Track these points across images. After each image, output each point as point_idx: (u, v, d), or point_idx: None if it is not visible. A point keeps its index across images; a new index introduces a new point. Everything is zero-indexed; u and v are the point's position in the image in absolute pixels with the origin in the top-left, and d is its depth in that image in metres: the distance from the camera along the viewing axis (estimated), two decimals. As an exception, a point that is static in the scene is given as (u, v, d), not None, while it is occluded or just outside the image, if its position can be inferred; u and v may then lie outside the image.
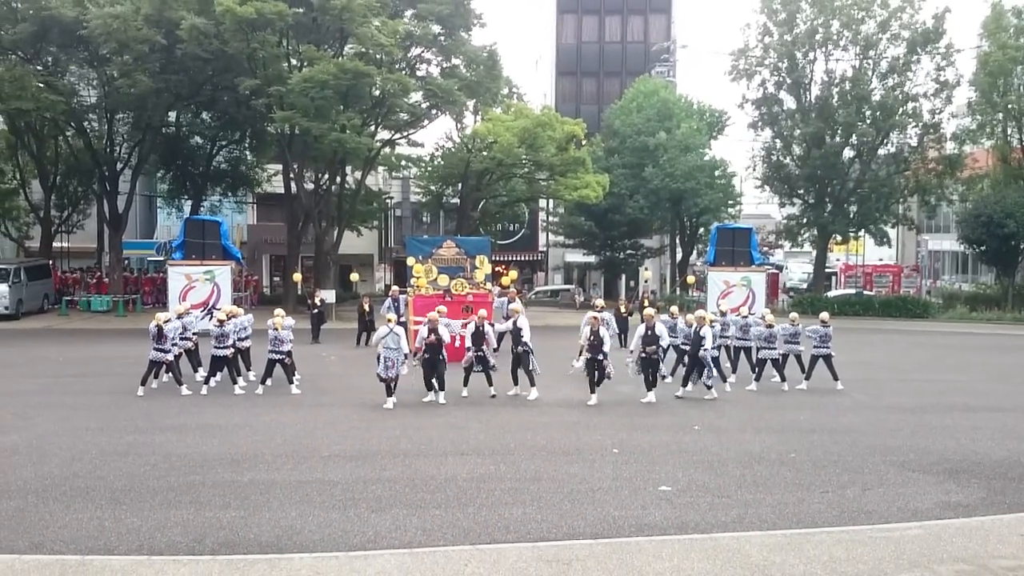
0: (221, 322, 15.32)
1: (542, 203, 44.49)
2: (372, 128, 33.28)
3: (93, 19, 27.36)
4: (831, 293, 41.56)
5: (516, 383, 15.18)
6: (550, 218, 45.77)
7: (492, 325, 16.12)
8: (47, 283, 33.29)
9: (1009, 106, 35.80)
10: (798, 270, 57.11)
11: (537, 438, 11.76)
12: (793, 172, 39.10)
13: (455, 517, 8.23)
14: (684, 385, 15.35)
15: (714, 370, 15.54)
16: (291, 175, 33.65)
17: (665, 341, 14.82)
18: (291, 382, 15.33)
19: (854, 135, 37.08)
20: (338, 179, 34.47)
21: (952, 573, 6.97)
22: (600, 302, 17.75)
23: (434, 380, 14.44)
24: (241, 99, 30.71)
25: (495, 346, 15.41)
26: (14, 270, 30.41)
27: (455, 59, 32.60)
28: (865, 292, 40.97)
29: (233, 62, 29.63)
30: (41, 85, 29.86)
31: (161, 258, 39.51)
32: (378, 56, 30.18)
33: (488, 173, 35.59)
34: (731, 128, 42.99)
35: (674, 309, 18.34)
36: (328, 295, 28.73)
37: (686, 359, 15.79)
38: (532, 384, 14.91)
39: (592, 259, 45.90)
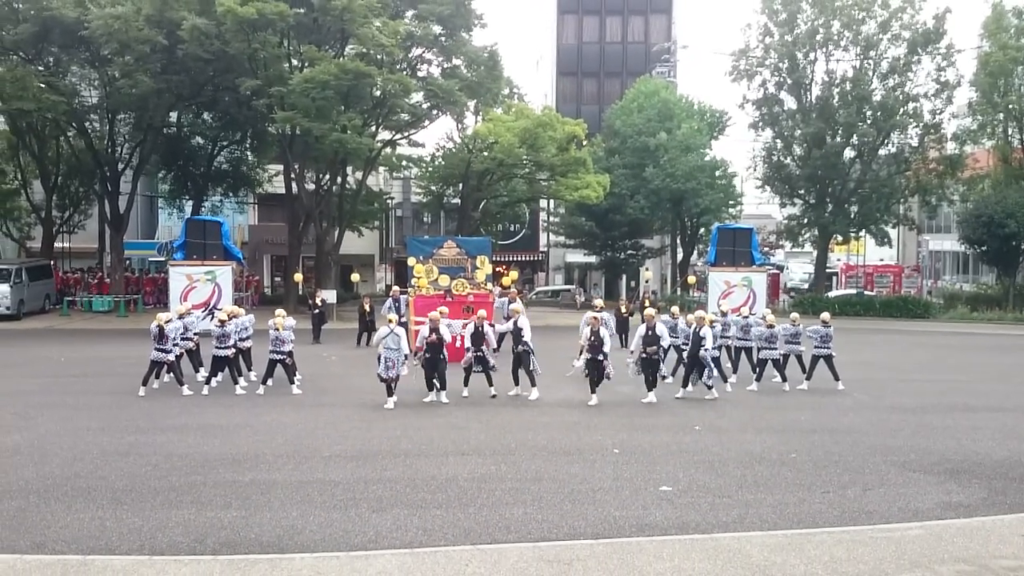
0: (222, 322, 15.34)
1: (543, 203, 44.51)
2: (373, 128, 33.30)
3: (94, 20, 27.39)
4: (832, 293, 41.58)
5: (517, 383, 15.19)
6: (551, 218, 45.79)
7: (492, 326, 16.13)
8: (48, 283, 33.32)
9: (1010, 106, 35.81)
10: (799, 270, 57.12)
11: (538, 438, 11.76)
12: (794, 172, 39.11)
13: (456, 517, 8.24)
14: (684, 386, 15.35)
15: (715, 370, 15.55)
16: (292, 175, 33.66)
17: (666, 341, 14.82)
18: (292, 382, 15.34)
19: (855, 135, 37.10)
20: (339, 179, 34.49)
21: (953, 573, 6.97)
22: (599, 302, 17.76)
23: (435, 379, 14.46)
24: (242, 99, 30.74)
25: (494, 346, 15.42)
26: (15, 270, 30.44)
27: (456, 59, 32.62)
28: (866, 292, 40.98)
29: (234, 62, 29.65)
30: (42, 85, 29.89)
31: (162, 258, 39.56)
32: (379, 57, 30.20)
33: (489, 173, 35.60)
34: (732, 128, 43.03)
35: (675, 309, 18.35)
36: (329, 295, 28.75)
37: (686, 359, 15.77)
38: (533, 384, 14.92)
39: (593, 259, 45.92)
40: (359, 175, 35.51)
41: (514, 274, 25.76)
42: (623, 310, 23.91)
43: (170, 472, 9.82)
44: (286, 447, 11.10)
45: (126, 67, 29.44)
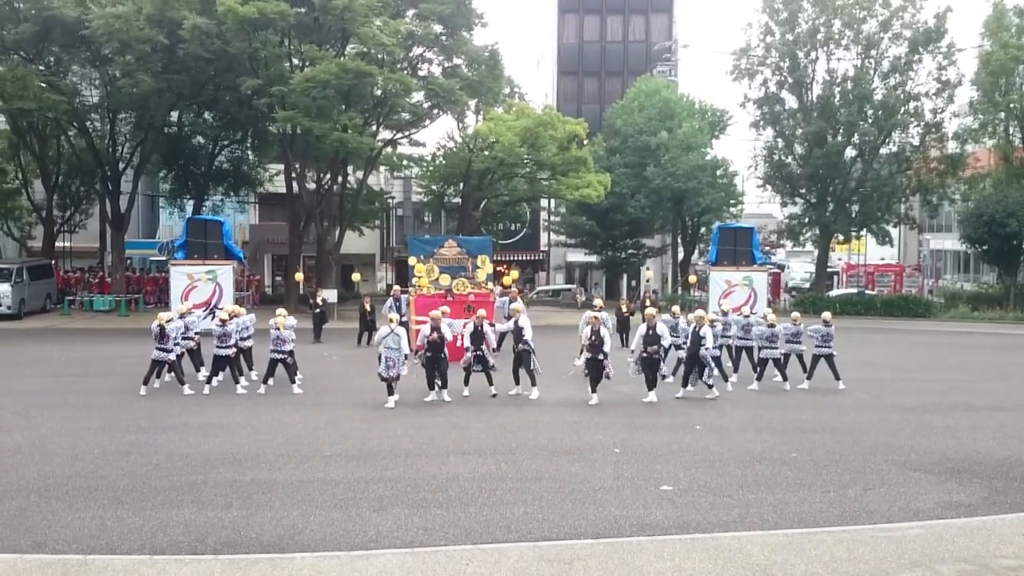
0: (223, 322, 15.34)
1: (544, 203, 44.49)
2: (374, 128, 33.30)
3: (95, 19, 27.40)
4: (833, 292, 41.55)
5: (517, 383, 15.19)
6: (552, 218, 45.78)
7: (492, 325, 16.13)
8: (49, 283, 33.34)
9: (1011, 105, 35.76)
10: (800, 269, 57.12)
11: (538, 437, 11.77)
12: (795, 171, 39.09)
13: (457, 516, 8.24)
14: (684, 386, 15.34)
15: (715, 369, 15.55)
16: (293, 175, 33.67)
17: (666, 341, 14.81)
18: (293, 382, 15.34)
19: (856, 134, 37.08)
20: (340, 179, 34.50)
21: (954, 573, 6.97)
22: (598, 302, 17.75)
23: (437, 379, 14.48)
24: (243, 99, 30.74)
25: (494, 346, 15.43)
26: (16, 270, 30.46)
27: (457, 59, 32.61)
28: (867, 291, 40.95)
29: (235, 62, 29.66)
30: (43, 85, 29.90)
31: (163, 258, 39.57)
32: (380, 56, 30.20)
33: (490, 173, 35.59)
34: (733, 127, 43.19)
35: (676, 309, 18.33)
36: (330, 295, 28.75)
37: (685, 359, 15.75)
38: (533, 384, 14.92)
39: (594, 259, 45.91)
40: (360, 174, 35.51)
41: (515, 273, 25.78)
42: (624, 309, 23.90)
43: (171, 471, 9.82)
44: (287, 446, 11.11)
45: (127, 66, 29.45)
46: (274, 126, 32.18)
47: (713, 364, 15.67)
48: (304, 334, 20.19)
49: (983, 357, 23.18)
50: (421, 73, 33.18)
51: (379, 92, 31.07)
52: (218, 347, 15.22)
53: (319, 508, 8.47)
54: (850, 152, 38.30)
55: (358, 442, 11.48)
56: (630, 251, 44.11)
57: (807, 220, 39.61)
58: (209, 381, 15.52)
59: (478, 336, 14.89)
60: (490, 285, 21.78)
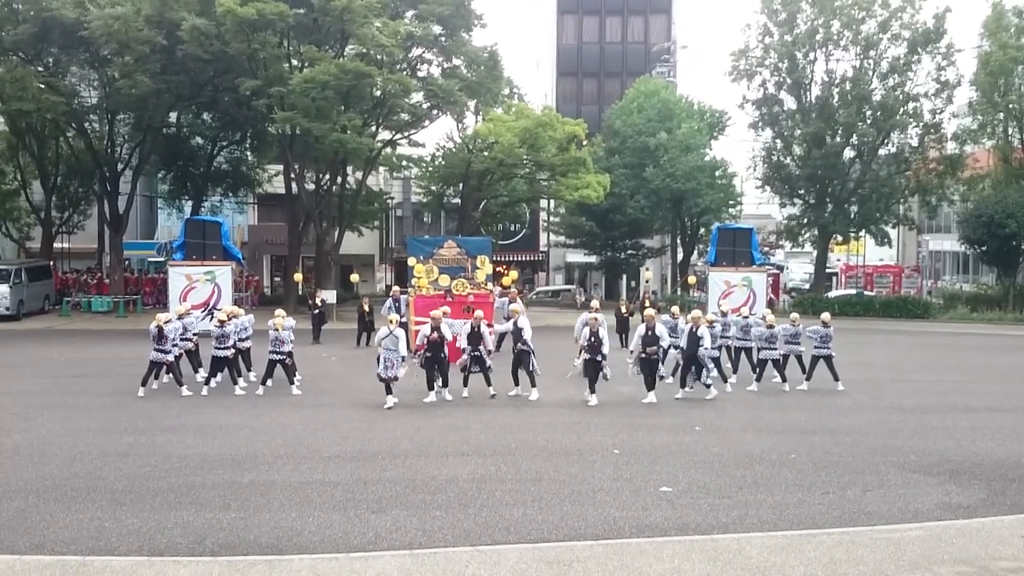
0: (222, 323, 15.33)
1: (543, 203, 44.52)
2: (373, 128, 33.30)
3: (94, 20, 27.38)
4: (832, 293, 41.57)
5: (517, 383, 15.19)
6: (551, 218, 45.79)
7: (490, 326, 16.12)
8: (48, 284, 33.32)
9: (1010, 106, 35.78)
10: (799, 270, 57.12)
11: (538, 439, 11.76)
12: (794, 172, 39.09)
13: (456, 518, 8.24)
14: (682, 386, 15.34)
15: (713, 369, 15.56)
16: (292, 175, 33.66)
17: (665, 342, 14.81)
18: (292, 383, 15.33)
19: (855, 135, 37.08)
20: (339, 179, 34.50)
21: (953, 574, 6.97)
22: (595, 303, 17.76)
23: (437, 378, 14.49)
24: (242, 100, 30.72)
25: (490, 348, 15.43)
26: (15, 271, 30.44)
27: (456, 60, 32.62)
28: (866, 292, 40.97)
29: (234, 63, 29.65)
30: (42, 86, 29.87)
31: (162, 259, 39.53)
32: (379, 57, 30.20)
33: (489, 173, 35.60)
34: (732, 128, 43.13)
35: (675, 309, 18.33)
36: (329, 295, 28.75)
37: (683, 359, 15.73)
38: (533, 384, 14.92)
39: (593, 259, 45.93)
40: (359, 175, 35.51)
41: (514, 274, 25.78)
42: (623, 310, 23.90)
43: (169, 473, 9.81)
44: (285, 448, 11.10)
45: (126, 67, 29.44)
46: (273, 127, 32.17)
47: (712, 365, 15.69)
48: (303, 335, 20.18)
49: (982, 358, 23.18)
50: (420, 74, 33.19)
51: (378, 93, 31.07)
52: (216, 348, 15.21)
53: (318, 510, 8.46)
54: (849, 153, 38.30)
55: (357, 443, 11.47)
56: (629, 252, 44.14)
57: (806, 221, 39.61)
58: (207, 382, 15.51)
59: (475, 337, 14.90)
60: (489, 286, 21.77)
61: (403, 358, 13.96)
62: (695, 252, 43.43)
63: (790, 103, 38.86)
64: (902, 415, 13.92)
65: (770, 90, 38.70)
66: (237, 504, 8.63)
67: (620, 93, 45.59)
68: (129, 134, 34.63)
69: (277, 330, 15.16)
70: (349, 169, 35.03)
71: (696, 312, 15.87)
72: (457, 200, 38.89)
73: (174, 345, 15.28)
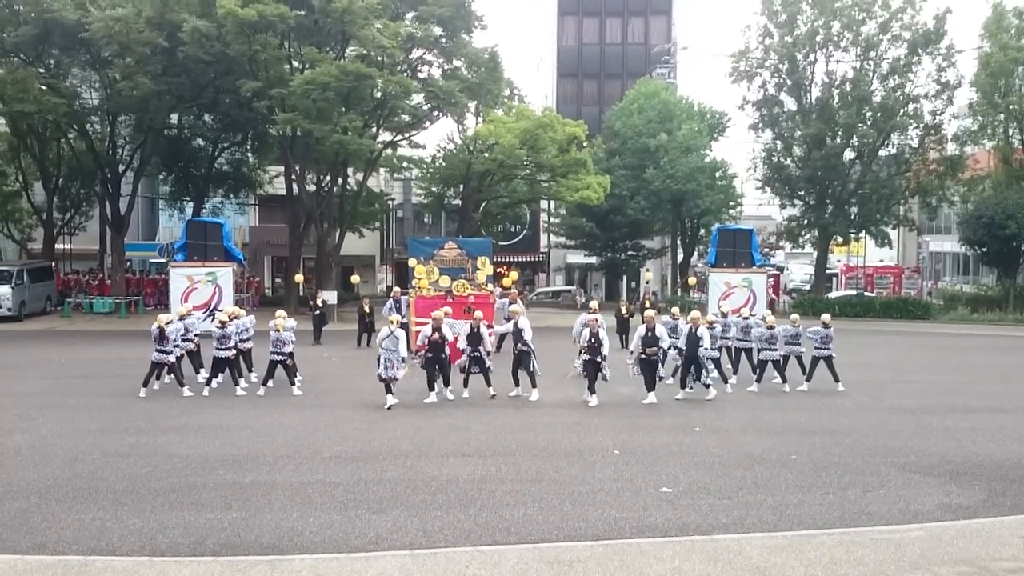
0: (223, 323, 15.35)
1: (543, 204, 44.54)
2: (374, 130, 33.35)
3: (95, 22, 27.44)
4: (832, 294, 41.59)
5: (517, 384, 15.20)
6: (551, 219, 45.83)
7: (490, 327, 16.14)
8: (50, 285, 33.36)
9: (1010, 107, 35.81)
10: (799, 271, 57.14)
11: (538, 439, 11.77)
12: (794, 173, 39.12)
13: (456, 518, 8.25)
14: (682, 387, 15.35)
15: (713, 370, 15.57)
16: (293, 177, 33.70)
17: (665, 343, 14.81)
18: (292, 383, 15.35)
19: (855, 136, 37.11)
20: (340, 181, 34.53)
21: (953, 575, 6.97)
22: (593, 304, 17.77)
23: (438, 378, 14.52)
24: (243, 101, 30.78)
25: (489, 349, 15.45)
26: (17, 272, 30.48)
27: (456, 61, 32.66)
28: (866, 293, 40.99)
29: (235, 64, 29.69)
30: (43, 88, 29.94)
31: (163, 260, 39.60)
32: (380, 58, 30.26)
33: (489, 174, 35.63)
34: (732, 130, 43.33)
35: (675, 310, 18.35)
36: (330, 296, 28.76)
37: (682, 360, 15.74)
38: (533, 385, 14.93)
39: (593, 260, 45.97)
40: (360, 176, 35.54)
41: (514, 275, 25.75)
42: (623, 311, 23.91)
43: (170, 473, 9.83)
44: (286, 448, 11.11)
45: (127, 69, 29.48)
46: (274, 128, 32.22)
47: (712, 365, 15.71)
48: (304, 336, 20.20)
49: (982, 359, 23.18)
50: (421, 75, 33.24)
51: (379, 94, 31.12)
52: (218, 349, 15.23)
53: (318, 510, 8.48)
54: (849, 154, 38.34)
55: (358, 444, 11.48)
56: (630, 253, 44.17)
57: (806, 222, 39.64)
58: (209, 383, 15.53)
59: (475, 338, 14.92)
60: (490, 287, 21.79)
61: (403, 359, 13.97)
62: (695, 253, 43.47)
63: (790, 104, 38.91)
64: (902, 416, 13.92)
65: (770, 91, 38.75)
66: (238, 504, 8.65)
67: (620, 94, 45.63)
68: (130, 135, 34.69)
69: (278, 331, 15.18)
70: (350, 170, 35.07)
71: (695, 313, 15.88)
72: (457, 201, 38.92)
73: (175, 346, 15.30)
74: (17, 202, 36.76)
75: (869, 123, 36.86)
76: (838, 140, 37.44)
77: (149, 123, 32.17)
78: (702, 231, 41.34)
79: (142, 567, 6.99)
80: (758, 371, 16.55)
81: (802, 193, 39.30)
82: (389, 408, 13.87)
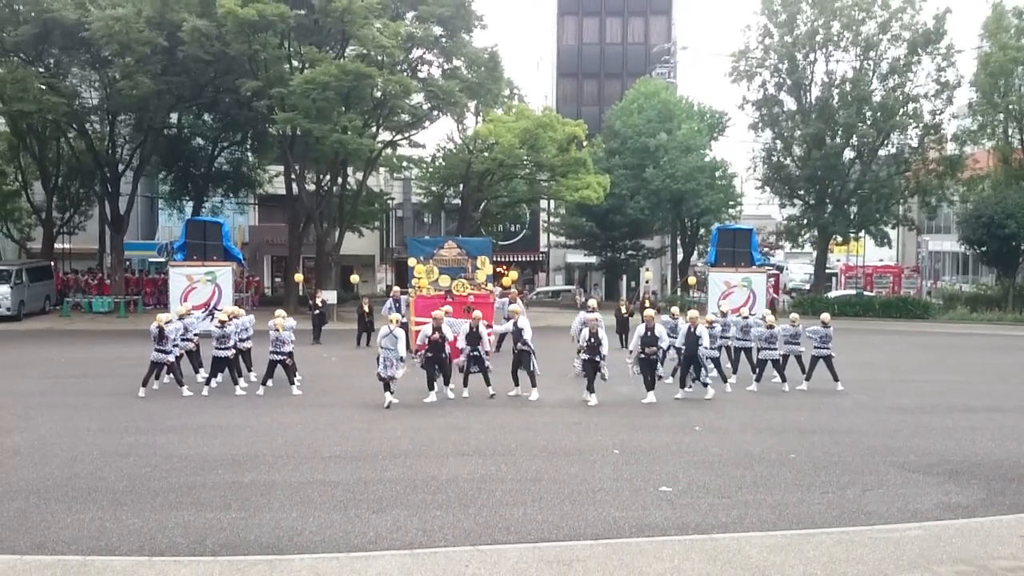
0: (222, 323, 15.35)
1: (543, 204, 44.53)
2: (373, 129, 33.34)
3: (95, 21, 27.42)
4: (831, 294, 41.59)
5: (517, 384, 15.21)
6: (551, 219, 45.82)
7: (490, 327, 16.14)
8: (49, 284, 33.34)
9: (1010, 107, 35.82)
10: (799, 271, 57.14)
11: (538, 439, 11.78)
12: (793, 173, 39.13)
13: (456, 518, 8.25)
14: (682, 387, 15.35)
15: (712, 369, 15.58)
16: (292, 176, 33.69)
17: (665, 342, 14.81)
18: (292, 383, 15.35)
19: (854, 136, 37.11)
20: (339, 180, 34.52)
21: (952, 574, 6.98)
22: (593, 302, 17.77)
23: (438, 377, 14.53)
24: (243, 101, 30.76)
25: (487, 349, 15.46)
26: (16, 271, 30.46)
27: (456, 60, 32.65)
28: (865, 293, 40.99)
29: (235, 64, 29.68)
30: (43, 87, 29.91)
31: (162, 259, 39.58)
32: (379, 58, 30.25)
33: (489, 174, 35.62)
34: (732, 129, 43.21)
35: (675, 310, 18.35)
36: (329, 296, 28.76)
37: (682, 359, 15.74)
38: (533, 385, 14.94)
39: (593, 260, 45.96)
40: (360, 176, 35.54)
41: (514, 274, 25.77)
42: (623, 310, 23.91)
43: (170, 473, 9.83)
44: (286, 448, 11.11)
45: (126, 68, 29.47)
46: (274, 128, 32.20)
47: (711, 364, 15.71)
48: (303, 335, 20.20)
49: (982, 358, 23.19)
50: (421, 75, 33.23)
51: (379, 94, 31.11)
52: (217, 348, 15.23)
53: (318, 510, 8.48)
54: (849, 154, 38.33)
55: (357, 443, 11.49)
56: (629, 252, 44.16)
57: (806, 222, 39.64)
58: (208, 382, 15.53)
59: (474, 337, 14.92)
60: (490, 286, 21.80)
61: (401, 358, 13.97)
62: (695, 253, 43.45)
63: (790, 104, 38.90)
64: (902, 415, 13.93)
65: (770, 91, 38.74)
66: (238, 504, 8.65)
67: (620, 94, 45.61)
68: (130, 135, 34.67)
69: (278, 330, 15.18)
70: (349, 170, 35.06)
71: (693, 312, 15.88)
72: (457, 201, 38.91)
73: (175, 345, 15.30)
74: (16, 201, 36.71)
75: (869, 123, 36.86)
76: (838, 140, 37.44)
77: (149, 122, 32.16)
78: (702, 231, 41.34)
79: (141, 567, 6.99)
80: (757, 370, 16.56)
81: (802, 193, 39.30)
82: (388, 407, 13.89)
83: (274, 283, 47.06)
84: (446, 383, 14.83)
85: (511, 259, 46.86)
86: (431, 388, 14.59)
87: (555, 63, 54.33)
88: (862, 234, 42.27)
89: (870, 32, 36.69)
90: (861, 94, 36.70)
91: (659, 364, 14.81)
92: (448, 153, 38.79)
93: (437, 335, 14.41)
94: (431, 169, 39.73)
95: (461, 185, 37.35)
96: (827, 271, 43.83)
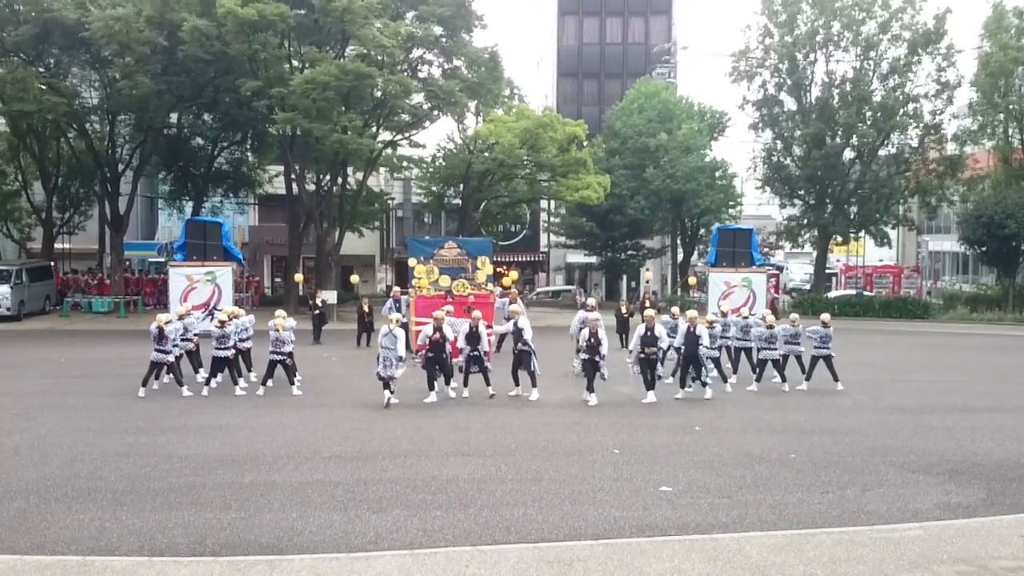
0: (222, 323, 15.35)
1: (543, 204, 44.52)
2: (373, 129, 33.33)
3: (95, 21, 27.42)
4: (831, 294, 41.58)
5: (517, 384, 15.20)
6: (551, 219, 45.81)
7: (490, 327, 16.14)
8: (49, 284, 33.34)
9: (1010, 107, 35.81)
10: (799, 271, 57.15)
11: (538, 439, 11.77)
12: (793, 173, 39.12)
13: (456, 518, 8.25)
14: (682, 386, 15.35)
15: (712, 369, 15.58)
16: (292, 176, 33.69)
17: (664, 342, 14.81)
18: (292, 383, 15.35)
19: (855, 136, 37.11)
20: (339, 180, 34.52)
21: (952, 574, 6.98)
22: (591, 301, 17.74)
23: (439, 377, 14.53)
24: (243, 100, 30.76)
25: (486, 349, 15.46)
26: (16, 271, 30.46)
27: (456, 60, 32.64)
28: (865, 293, 40.97)
29: (235, 64, 29.67)
30: (43, 87, 29.90)
31: (162, 259, 39.58)
32: (380, 57, 30.23)
33: (489, 174, 35.61)
34: (732, 129, 43.18)
35: (675, 310, 18.35)
36: (329, 296, 28.76)
37: (682, 359, 15.73)
38: (533, 385, 14.93)
39: (593, 260, 45.95)
40: (360, 176, 35.53)
41: (514, 274, 25.75)
42: (623, 310, 23.91)
43: (170, 473, 9.83)
44: (286, 448, 11.11)
45: (126, 68, 29.47)
46: (274, 128, 32.20)
47: (711, 364, 15.71)
48: (303, 335, 20.19)
49: (982, 358, 23.19)
50: (421, 75, 33.22)
51: (379, 94, 31.10)
52: (217, 348, 15.22)
53: (318, 510, 8.48)
54: (849, 154, 38.33)
55: (357, 443, 11.49)
56: (630, 252, 44.15)
57: (806, 222, 39.64)
58: (208, 383, 15.53)
59: (473, 337, 14.92)
60: (490, 286, 21.79)
61: (400, 358, 13.97)
62: (695, 253, 43.45)
63: (790, 104, 38.89)
64: (902, 415, 13.93)
65: (770, 91, 38.74)
66: (238, 504, 8.65)
67: (620, 94, 45.61)
68: (130, 135, 34.67)
69: (278, 330, 15.18)
70: (350, 170, 35.06)
71: (692, 312, 15.87)
72: (457, 201, 38.90)
73: (175, 345, 15.30)
74: (16, 201, 36.71)
75: (869, 123, 36.85)
76: (838, 140, 37.43)
77: (149, 122, 32.15)
78: (702, 231, 41.33)
79: (141, 567, 6.99)
80: (757, 370, 16.56)
81: (802, 193, 39.30)
82: (387, 405, 13.89)
83: (274, 283, 47.05)
84: (447, 382, 14.83)
85: (511, 259, 46.85)
86: (431, 388, 14.59)
87: (555, 63, 54.32)
88: (862, 234, 42.27)
89: (870, 32, 36.68)
90: (861, 94, 36.70)
91: (659, 364, 14.81)
92: (448, 153, 38.79)
93: (438, 335, 14.41)
94: (431, 169, 39.72)
95: (461, 185, 37.33)
96: (827, 271, 43.83)
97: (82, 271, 38.29)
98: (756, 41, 38.36)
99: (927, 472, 10.18)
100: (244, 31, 28.11)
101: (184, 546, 7.46)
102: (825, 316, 16.86)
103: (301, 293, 33.54)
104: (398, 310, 20.04)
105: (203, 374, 16.10)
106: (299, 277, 31.00)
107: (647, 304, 21.93)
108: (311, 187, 35.03)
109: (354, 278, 26.99)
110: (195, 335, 16.49)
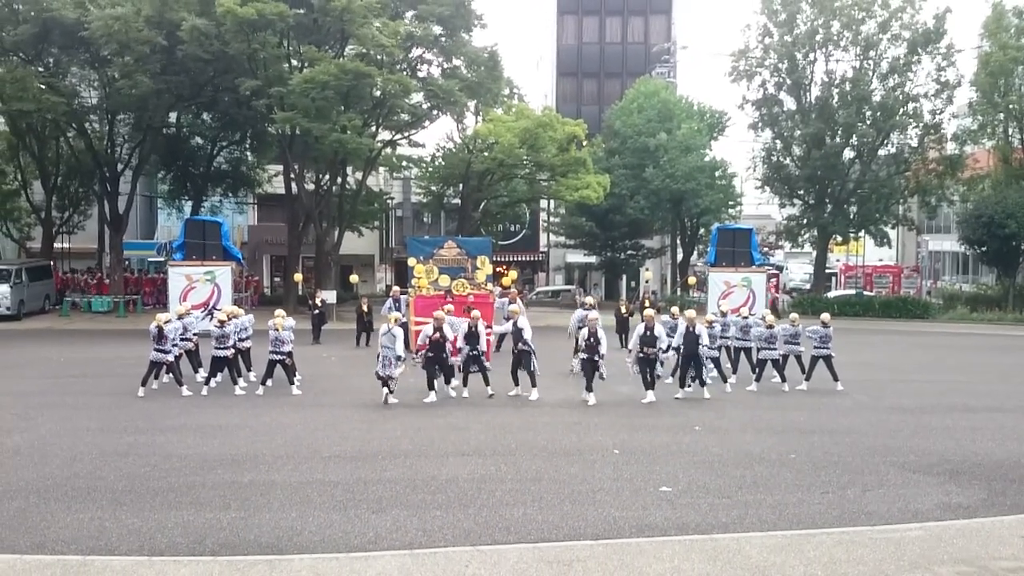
0: (222, 323, 15.34)
1: (543, 203, 44.52)
2: (373, 129, 33.30)
3: (94, 20, 27.40)
4: (831, 294, 41.58)
5: (517, 384, 15.20)
6: (551, 218, 45.80)
7: (489, 327, 16.15)
8: (48, 284, 33.33)
9: (1010, 106, 35.79)
10: (799, 271, 57.15)
11: (538, 439, 11.77)
12: (793, 173, 39.12)
13: (456, 518, 8.24)
14: (681, 386, 15.35)
15: (712, 369, 15.56)
16: (292, 176, 33.67)
17: (664, 342, 14.80)
18: (292, 383, 15.34)
19: (854, 136, 37.09)
20: (339, 180, 34.50)
21: (952, 574, 6.97)
22: (590, 300, 17.71)
23: (440, 375, 14.56)
24: (242, 100, 30.73)
25: (484, 349, 15.45)
26: (15, 271, 30.45)
27: (456, 60, 32.62)
28: (865, 293, 40.97)
29: (234, 63, 29.66)
30: (42, 86, 29.88)
31: (162, 259, 39.55)
32: (379, 57, 30.21)
33: (489, 173, 35.61)
34: (731, 129, 43.09)
35: (675, 310, 18.35)
36: (329, 296, 28.74)
37: (681, 359, 15.72)
38: (533, 384, 14.93)
39: (593, 260, 45.95)
40: (359, 175, 35.51)
41: (514, 274, 25.80)
42: (623, 310, 23.90)
43: (169, 473, 9.82)
44: (285, 448, 11.10)
45: (126, 68, 29.45)
46: (273, 127, 32.19)
47: (712, 364, 15.70)
48: (303, 335, 20.18)
49: (982, 358, 23.19)
50: (420, 74, 33.20)
51: (378, 93, 31.07)
52: (216, 348, 15.21)
53: (318, 509, 8.47)
54: (848, 153, 38.31)
55: (357, 443, 11.48)
56: (629, 252, 44.15)
57: (805, 221, 39.63)
58: (207, 382, 15.52)
59: (473, 337, 14.92)
60: (489, 286, 21.79)
61: (399, 357, 13.97)
62: (695, 252, 43.44)
63: (790, 104, 38.87)
64: (902, 415, 13.93)
65: (770, 91, 38.72)
66: (237, 504, 8.64)
67: (620, 93, 45.59)
68: (129, 134, 34.65)
69: (277, 330, 15.17)
70: (349, 169, 35.03)
71: (691, 312, 15.87)
72: (457, 200, 38.89)
73: (174, 345, 15.29)
74: (16, 201, 36.68)
75: (869, 122, 36.84)
76: (838, 139, 37.42)
77: (148, 122, 32.13)
78: (702, 230, 41.33)
79: (141, 567, 6.98)
80: (757, 370, 16.56)
81: (801, 192, 39.29)
82: (386, 403, 13.89)
83: (273, 283, 47.04)
84: (447, 382, 14.82)
85: (511, 259, 46.85)
86: (431, 388, 14.58)
87: (555, 62, 54.30)
88: (862, 234, 42.26)
89: (870, 32, 36.67)
90: (861, 94, 36.69)
91: (659, 364, 14.80)
92: (448, 153, 38.77)
93: (438, 335, 14.41)
94: (431, 169, 39.71)
95: (461, 185, 37.32)
96: (827, 271, 43.83)
97: (81, 271, 38.28)
98: (756, 41, 38.38)
99: (927, 472, 10.18)
100: (243, 30, 28.09)
101: (184, 546, 7.45)
102: (825, 316, 16.86)
103: (300, 293, 33.52)
104: (397, 309, 20.06)
105: (202, 374, 16.09)
106: (298, 277, 30.99)
107: (647, 304, 21.93)
108: (310, 187, 35.01)
109: (353, 278, 26.99)
110: (194, 335, 16.48)
